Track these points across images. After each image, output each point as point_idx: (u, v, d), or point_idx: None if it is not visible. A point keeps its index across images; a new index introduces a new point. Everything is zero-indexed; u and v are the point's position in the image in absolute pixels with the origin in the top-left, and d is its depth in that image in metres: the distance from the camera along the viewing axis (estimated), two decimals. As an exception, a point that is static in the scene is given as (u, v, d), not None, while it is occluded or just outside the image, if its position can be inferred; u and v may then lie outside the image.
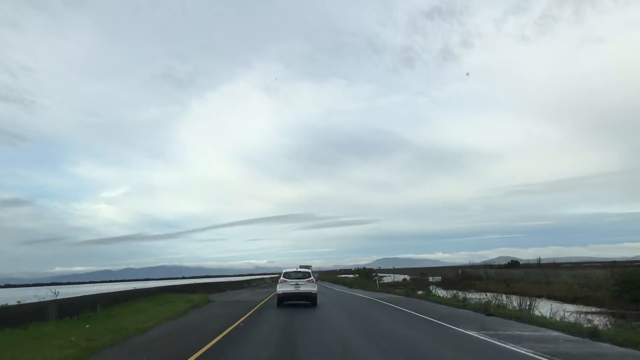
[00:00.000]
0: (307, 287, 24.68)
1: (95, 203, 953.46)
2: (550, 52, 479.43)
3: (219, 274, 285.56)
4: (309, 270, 27.20)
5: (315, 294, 25.24)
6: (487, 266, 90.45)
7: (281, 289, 24.76)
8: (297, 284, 24.64)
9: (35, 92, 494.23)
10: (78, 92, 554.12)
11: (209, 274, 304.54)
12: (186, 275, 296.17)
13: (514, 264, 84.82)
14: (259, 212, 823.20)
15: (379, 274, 77.70)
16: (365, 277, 71.16)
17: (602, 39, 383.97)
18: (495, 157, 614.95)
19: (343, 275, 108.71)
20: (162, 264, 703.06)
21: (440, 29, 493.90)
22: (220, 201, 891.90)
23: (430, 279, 74.01)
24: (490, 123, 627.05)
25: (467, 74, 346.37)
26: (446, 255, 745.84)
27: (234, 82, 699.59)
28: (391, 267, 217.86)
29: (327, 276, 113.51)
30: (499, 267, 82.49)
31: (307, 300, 24.94)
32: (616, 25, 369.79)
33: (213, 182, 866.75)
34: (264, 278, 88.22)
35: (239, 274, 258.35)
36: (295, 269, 26.38)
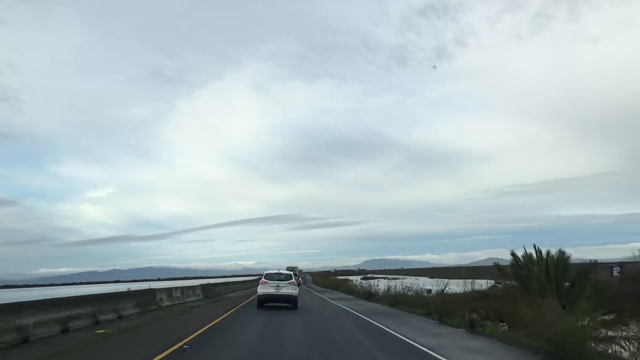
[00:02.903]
0: (288, 289, 23.74)
1: (81, 203, 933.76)
2: (543, 51, 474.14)
3: (207, 275, 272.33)
4: (291, 273, 25.98)
5: (296, 297, 24.12)
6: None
7: (262, 290, 23.99)
8: (278, 286, 23.75)
9: (19, 89, 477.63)
10: (64, 90, 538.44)
11: (196, 275, 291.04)
12: (175, 277, 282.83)
13: None
14: (248, 213, 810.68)
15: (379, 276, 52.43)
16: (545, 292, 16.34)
17: (596, 39, 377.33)
18: (485, 158, 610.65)
19: (342, 277, 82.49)
20: (149, 265, 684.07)
21: (435, 27, 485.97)
22: (209, 202, 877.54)
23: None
24: (481, 124, 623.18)
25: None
26: (434, 256, 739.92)
27: (224, 80, 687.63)
28: (399, 268, 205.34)
29: (328, 281, 71.44)
30: None
31: (288, 303, 23.94)
32: (611, 25, 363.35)
33: (201, 182, 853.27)
34: (172, 289, 30.16)
35: (226, 275, 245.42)
36: (277, 271, 25.53)
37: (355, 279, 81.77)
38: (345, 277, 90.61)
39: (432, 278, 57.04)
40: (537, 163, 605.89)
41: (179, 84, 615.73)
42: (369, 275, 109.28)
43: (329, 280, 75.34)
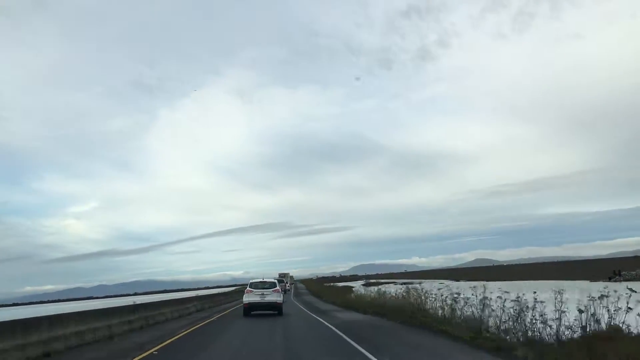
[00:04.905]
0: (272, 297, 23.67)
1: (64, 219, 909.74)
2: (526, 50, 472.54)
3: (194, 287, 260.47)
4: (275, 281, 25.56)
5: (281, 303, 24.13)
6: None
7: (247, 299, 23.82)
8: (262, 294, 23.66)
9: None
10: (42, 103, 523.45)
11: (183, 288, 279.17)
12: (161, 290, 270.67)
13: None
14: (234, 222, 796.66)
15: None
16: None
17: (579, 36, 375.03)
18: (471, 159, 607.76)
19: (342, 284, 67.32)
20: (136, 279, 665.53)
21: (418, 28, 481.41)
22: (194, 212, 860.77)
23: None
24: (465, 125, 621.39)
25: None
26: (423, 259, 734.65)
27: (206, 88, 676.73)
28: (406, 271, 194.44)
29: (339, 294, 44.64)
30: None
31: (274, 310, 23.91)
32: (594, 21, 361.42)
33: (186, 192, 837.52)
34: None
35: (210, 286, 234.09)
36: (261, 279, 25.21)
37: (356, 286, 71.51)
38: (344, 283, 79.97)
39: (457, 281, 46.64)
40: (522, 162, 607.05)
41: (160, 94, 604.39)
42: (372, 281, 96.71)
43: (335, 291, 49.21)
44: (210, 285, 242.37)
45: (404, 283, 65.57)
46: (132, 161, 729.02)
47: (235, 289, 77.92)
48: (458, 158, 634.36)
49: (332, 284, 75.14)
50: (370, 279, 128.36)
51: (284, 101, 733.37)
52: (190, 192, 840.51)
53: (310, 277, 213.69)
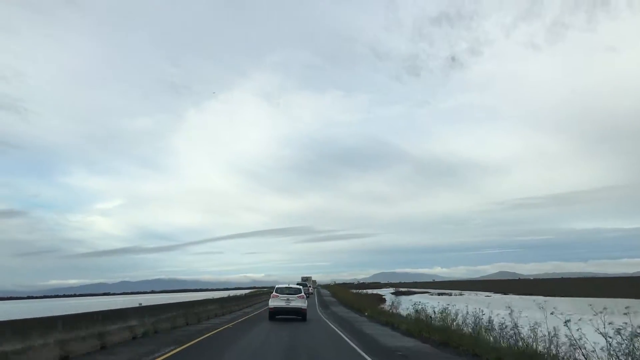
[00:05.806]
0: (297, 302, 24.31)
1: (90, 215, 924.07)
2: (558, 61, 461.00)
3: (215, 288, 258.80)
4: (300, 287, 25.87)
5: (305, 310, 24.50)
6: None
7: (273, 303, 24.60)
8: (288, 300, 24.31)
9: (28, 99, 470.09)
10: (73, 100, 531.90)
11: (204, 288, 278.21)
12: (183, 289, 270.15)
13: None
14: (257, 225, 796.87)
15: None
16: None
17: (613, 49, 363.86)
18: (497, 170, 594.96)
19: (371, 291, 63.79)
20: (158, 277, 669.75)
21: (448, 35, 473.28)
22: (217, 213, 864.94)
23: None
24: (492, 135, 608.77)
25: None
26: (444, 269, 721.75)
27: (233, 90, 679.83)
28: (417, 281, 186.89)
29: (383, 309, 32.71)
30: None
31: (298, 315, 24.33)
32: (630, 34, 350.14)
33: (209, 193, 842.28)
34: None
35: (234, 287, 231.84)
36: (287, 285, 25.73)
37: (386, 294, 66.93)
38: (371, 291, 73.82)
39: (505, 294, 40.74)
40: (549, 175, 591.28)
41: (187, 94, 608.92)
42: (402, 290, 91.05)
43: (371, 301, 41.64)
44: (230, 287, 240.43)
45: (440, 294, 60.93)
46: (157, 160, 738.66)
47: (251, 292, 67.03)
48: (484, 168, 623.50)
49: (358, 290, 69.38)
50: (396, 287, 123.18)
51: (310, 105, 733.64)
52: (213, 193, 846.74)
53: (330, 282, 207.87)
